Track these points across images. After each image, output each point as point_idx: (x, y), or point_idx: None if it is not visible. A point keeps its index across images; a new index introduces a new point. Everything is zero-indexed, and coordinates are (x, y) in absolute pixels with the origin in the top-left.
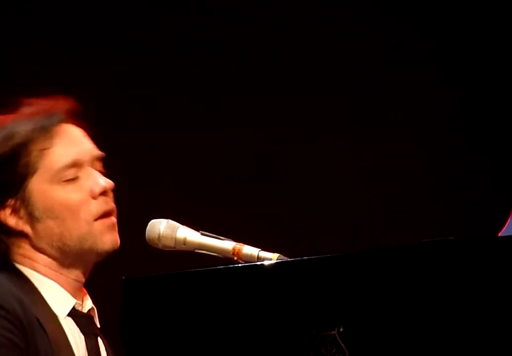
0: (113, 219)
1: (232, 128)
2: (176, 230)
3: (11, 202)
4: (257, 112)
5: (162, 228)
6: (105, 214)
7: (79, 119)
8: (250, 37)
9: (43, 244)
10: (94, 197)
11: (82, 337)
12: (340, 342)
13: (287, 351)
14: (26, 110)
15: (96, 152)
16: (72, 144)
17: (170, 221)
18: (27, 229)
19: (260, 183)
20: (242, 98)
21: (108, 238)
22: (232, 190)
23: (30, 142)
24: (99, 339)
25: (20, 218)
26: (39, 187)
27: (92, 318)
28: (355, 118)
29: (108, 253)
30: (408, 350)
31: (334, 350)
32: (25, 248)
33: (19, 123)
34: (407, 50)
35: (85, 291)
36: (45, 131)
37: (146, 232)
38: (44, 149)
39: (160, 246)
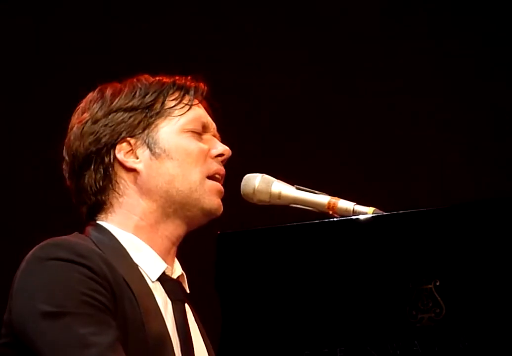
0: (222, 187)
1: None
2: (271, 185)
3: (131, 141)
4: None
5: (257, 182)
6: (217, 175)
7: (208, 100)
8: None
9: (151, 185)
10: (211, 157)
11: (169, 302)
12: (437, 295)
13: (383, 305)
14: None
15: (217, 133)
16: (203, 113)
17: (265, 176)
18: (140, 167)
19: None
20: None
21: (215, 199)
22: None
23: (169, 93)
24: (186, 305)
25: (136, 157)
26: (166, 129)
27: (181, 284)
28: None
29: (210, 214)
30: (505, 303)
31: (430, 304)
32: (127, 194)
33: (161, 80)
34: None
35: (175, 256)
36: (183, 90)
37: (241, 186)
38: (180, 102)
39: (255, 200)
